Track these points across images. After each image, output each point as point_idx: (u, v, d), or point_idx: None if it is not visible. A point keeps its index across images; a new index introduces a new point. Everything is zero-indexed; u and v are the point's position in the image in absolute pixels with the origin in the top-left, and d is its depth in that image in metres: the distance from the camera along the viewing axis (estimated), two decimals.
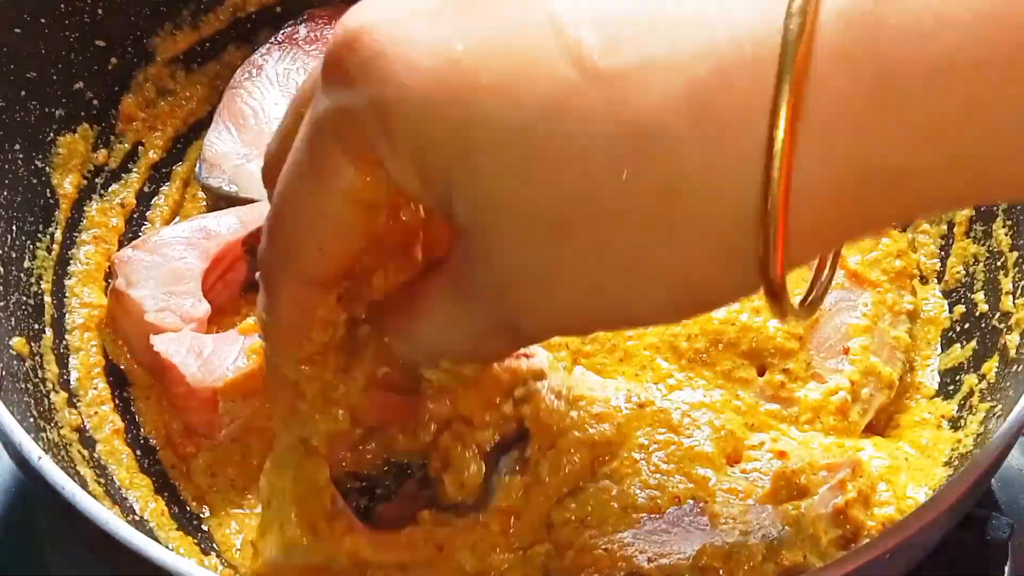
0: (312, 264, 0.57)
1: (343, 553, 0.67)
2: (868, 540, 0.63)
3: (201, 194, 0.90)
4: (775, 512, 0.70)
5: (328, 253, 0.57)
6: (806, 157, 0.46)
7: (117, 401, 0.80)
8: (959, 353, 0.80)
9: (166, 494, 0.77)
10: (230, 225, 0.82)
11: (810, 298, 0.60)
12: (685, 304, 0.52)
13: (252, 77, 0.91)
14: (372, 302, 0.62)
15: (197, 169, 0.88)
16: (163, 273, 0.80)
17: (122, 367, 0.81)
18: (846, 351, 0.78)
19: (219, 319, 0.81)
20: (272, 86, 0.91)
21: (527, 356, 0.72)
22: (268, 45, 0.94)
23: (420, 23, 0.50)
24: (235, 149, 0.88)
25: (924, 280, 0.85)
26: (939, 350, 0.82)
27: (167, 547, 0.69)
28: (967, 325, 0.82)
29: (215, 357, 0.76)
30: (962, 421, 0.76)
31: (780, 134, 0.45)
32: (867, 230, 0.60)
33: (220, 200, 0.87)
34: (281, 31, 0.94)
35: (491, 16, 0.49)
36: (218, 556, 0.74)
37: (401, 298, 0.61)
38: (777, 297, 0.49)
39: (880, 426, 0.79)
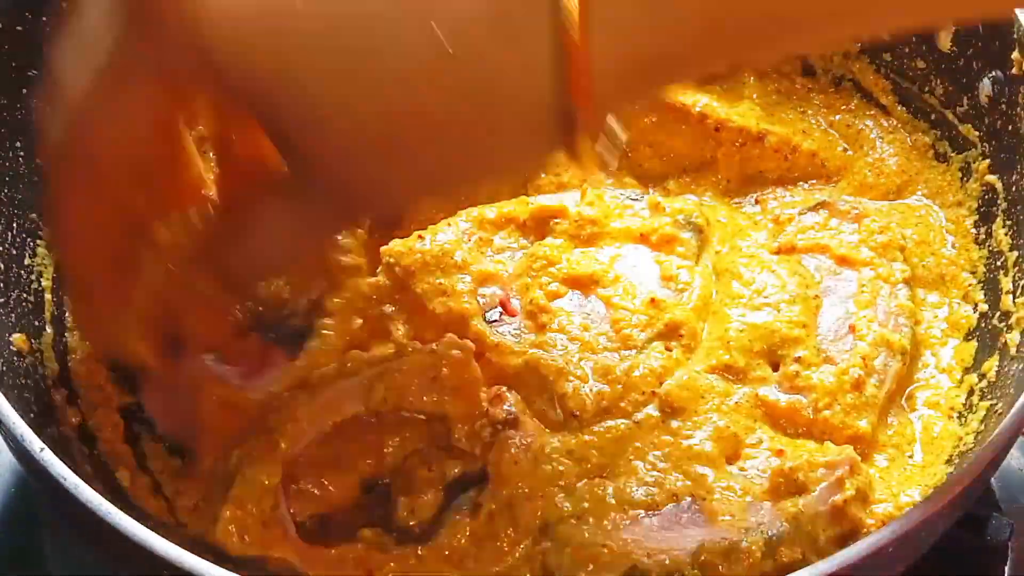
0: (107, 153, 0.61)
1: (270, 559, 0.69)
2: (869, 536, 0.63)
3: None
4: (774, 509, 0.70)
5: (120, 154, 0.62)
6: (590, 44, 0.53)
7: (117, 398, 0.80)
8: (962, 352, 0.80)
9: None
10: None
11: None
12: (502, 174, 0.67)
13: None
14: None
15: None
16: None
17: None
18: (852, 329, 0.78)
19: None
20: None
21: (500, 398, 0.73)
22: None
23: None
24: None
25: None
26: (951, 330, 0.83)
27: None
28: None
29: None
30: (963, 419, 0.76)
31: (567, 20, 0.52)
32: (654, 88, 0.68)
33: None
34: None
35: None
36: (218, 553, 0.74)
37: (228, 219, 0.66)
38: (574, 144, 0.56)
39: (897, 399, 0.79)
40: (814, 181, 0.90)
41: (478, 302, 0.80)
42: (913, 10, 0.58)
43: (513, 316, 0.81)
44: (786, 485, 0.71)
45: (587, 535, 0.70)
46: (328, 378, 0.74)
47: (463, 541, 0.71)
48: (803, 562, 0.68)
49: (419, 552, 0.71)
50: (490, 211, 0.84)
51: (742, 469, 0.73)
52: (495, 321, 0.80)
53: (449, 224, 0.83)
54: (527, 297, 0.81)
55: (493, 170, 0.63)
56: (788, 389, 0.77)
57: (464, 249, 0.81)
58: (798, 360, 0.77)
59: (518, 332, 0.80)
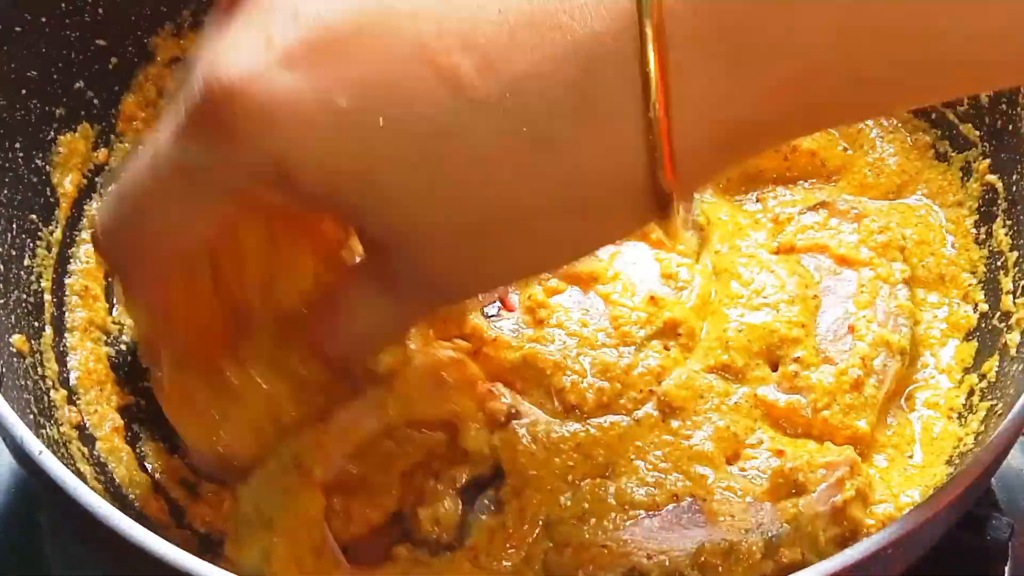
0: (164, 252, 0.62)
1: None
2: (869, 536, 0.63)
3: None
4: (774, 510, 0.70)
5: (185, 252, 0.62)
6: (679, 121, 0.52)
7: (117, 399, 0.80)
8: (962, 352, 0.80)
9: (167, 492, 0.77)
10: None
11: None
12: (590, 253, 0.62)
13: None
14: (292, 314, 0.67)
15: None
16: None
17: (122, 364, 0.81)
18: (851, 329, 0.78)
19: None
20: None
21: (491, 393, 0.73)
22: None
23: (292, 74, 0.52)
24: None
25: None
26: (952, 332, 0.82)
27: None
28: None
29: None
30: (963, 420, 0.76)
31: (654, 100, 0.51)
32: (743, 159, 0.70)
33: None
34: None
35: (358, 57, 0.52)
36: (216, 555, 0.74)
37: (322, 304, 0.66)
38: (667, 217, 0.55)
39: (897, 399, 0.79)
40: (814, 180, 0.90)
41: (477, 297, 0.80)
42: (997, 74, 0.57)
43: (511, 311, 0.81)
44: (786, 486, 0.71)
45: (587, 535, 0.70)
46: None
47: (493, 538, 0.72)
48: (803, 563, 0.68)
49: (455, 558, 0.71)
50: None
51: (742, 469, 0.73)
52: (493, 316, 0.80)
53: None
54: (526, 293, 0.81)
55: (582, 251, 0.61)
56: (787, 389, 0.77)
57: None
58: (797, 360, 0.77)
59: (516, 327, 0.80)
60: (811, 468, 0.71)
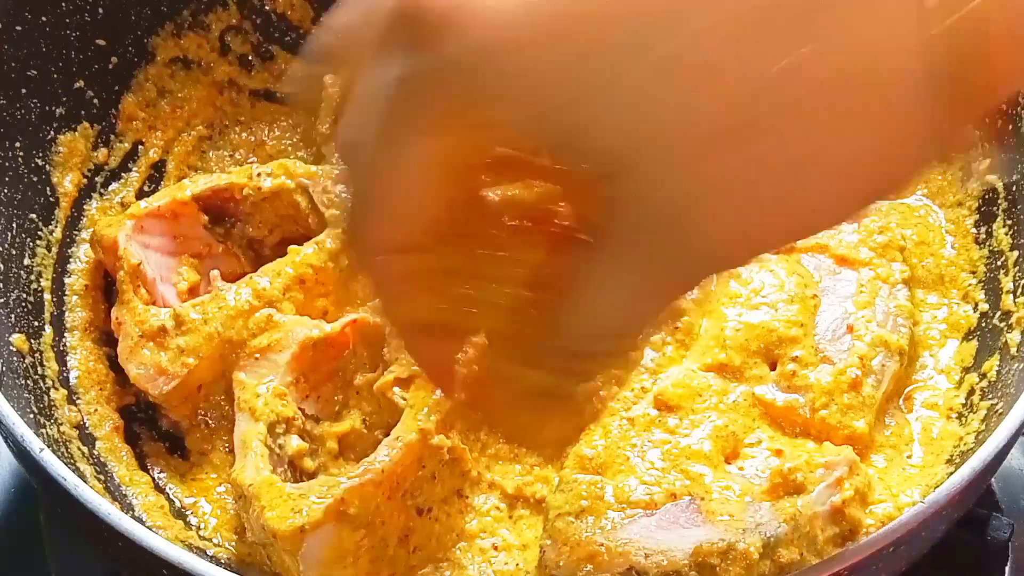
0: (396, 234, 0.52)
1: None
2: (869, 536, 0.63)
3: None
4: (772, 509, 0.70)
5: (413, 221, 0.51)
6: None
7: (117, 399, 0.80)
8: (962, 352, 0.80)
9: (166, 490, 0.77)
10: None
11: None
12: (869, 191, 0.47)
13: None
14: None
15: None
16: None
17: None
18: (850, 329, 0.78)
19: None
20: None
21: None
22: None
23: None
24: None
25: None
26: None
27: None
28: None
29: None
30: (964, 419, 0.76)
31: None
32: None
33: None
34: None
35: None
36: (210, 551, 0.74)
37: (552, 288, 0.54)
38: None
39: (895, 400, 0.79)
40: None
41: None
42: None
43: None
44: (785, 485, 0.71)
45: (585, 534, 0.70)
46: None
47: None
48: (801, 563, 0.68)
49: None
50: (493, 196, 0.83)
51: (741, 469, 0.73)
52: None
53: None
54: None
55: (865, 196, 0.47)
56: (785, 388, 0.76)
57: None
58: (795, 359, 0.77)
59: None
60: (810, 468, 0.71)
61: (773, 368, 0.78)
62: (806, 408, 0.76)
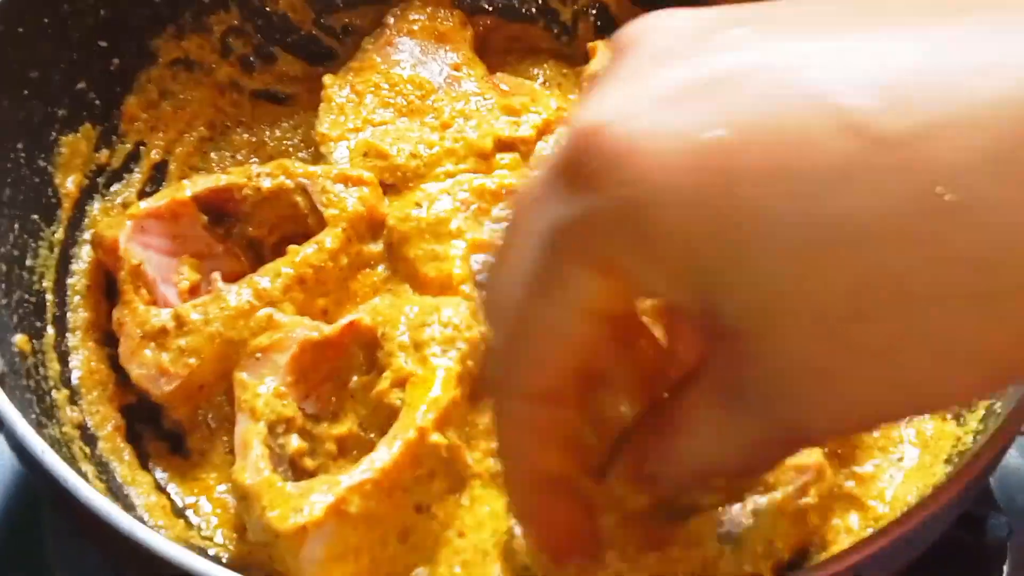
0: (541, 380, 0.52)
1: None
2: (868, 536, 0.63)
3: None
4: (740, 507, 0.70)
5: (560, 368, 0.52)
6: None
7: (119, 399, 0.80)
8: None
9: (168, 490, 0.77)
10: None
11: None
12: (997, 382, 0.48)
13: None
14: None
15: None
16: None
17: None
18: None
19: None
20: None
21: None
22: None
23: (663, 112, 0.45)
24: None
25: None
26: None
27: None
28: None
29: None
30: (962, 419, 0.76)
31: None
32: None
33: None
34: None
35: (743, 96, 0.44)
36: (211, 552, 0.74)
37: (652, 419, 0.55)
38: None
39: None
40: None
41: (470, 267, 0.81)
42: None
43: None
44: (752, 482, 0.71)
45: None
46: None
47: None
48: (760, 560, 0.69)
49: None
50: (491, 182, 0.84)
51: None
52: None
53: (448, 193, 0.83)
54: None
55: (981, 367, 0.45)
56: None
57: (460, 218, 0.82)
58: None
59: None
60: (781, 469, 0.71)
61: None
62: None
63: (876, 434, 0.77)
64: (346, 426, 0.74)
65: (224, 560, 0.73)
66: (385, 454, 0.69)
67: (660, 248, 0.45)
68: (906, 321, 0.43)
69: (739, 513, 0.69)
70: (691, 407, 0.51)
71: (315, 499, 0.67)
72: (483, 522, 0.72)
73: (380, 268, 0.83)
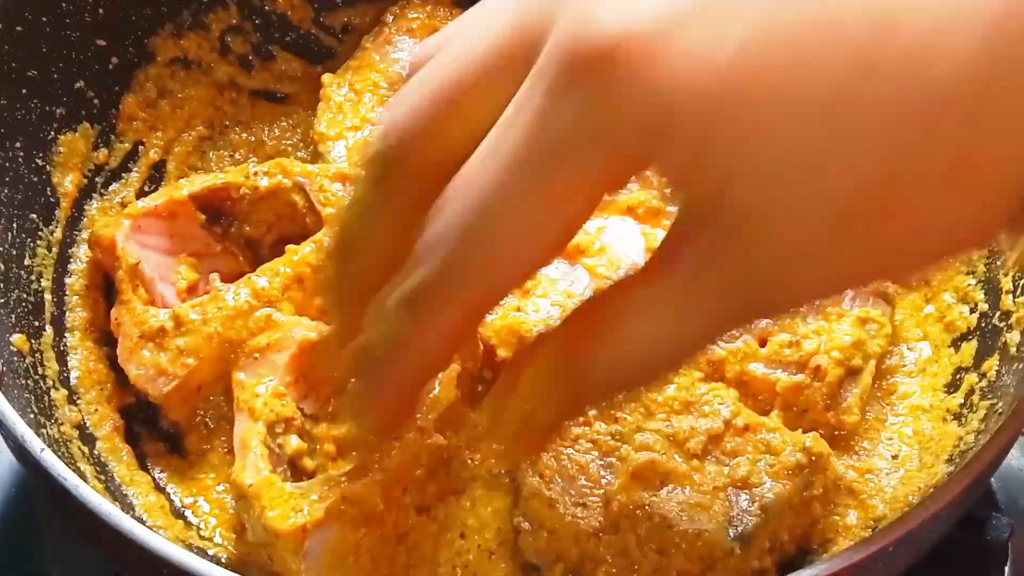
0: (508, 280, 0.54)
1: None
2: (869, 536, 0.63)
3: None
4: (748, 498, 0.70)
5: (533, 263, 0.54)
6: None
7: (117, 398, 0.80)
8: (961, 352, 0.80)
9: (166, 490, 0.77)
10: None
11: None
12: (945, 258, 0.53)
13: None
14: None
15: None
16: None
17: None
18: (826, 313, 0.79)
19: None
20: None
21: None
22: None
23: (680, 16, 0.48)
24: None
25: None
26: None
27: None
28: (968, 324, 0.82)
29: None
30: (963, 419, 0.76)
31: None
32: None
33: None
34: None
35: (760, 15, 0.47)
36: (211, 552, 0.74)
37: (588, 314, 0.56)
38: None
39: (889, 398, 0.79)
40: None
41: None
42: None
43: None
44: (757, 475, 0.71)
45: (558, 521, 0.70)
46: None
47: None
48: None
49: None
50: None
51: (724, 452, 0.73)
52: None
53: None
54: None
55: (940, 247, 0.52)
56: (775, 366, 0.77)
57: None
58: (782, 341, 0.77)
59: None
60: (785, 464, 0.71)
61: (763, 345, 0.78)
62: (791, 391, 0.76)
63: (882, 432, 0.77)
64: (345, 427, 0.74)
65: (223, 560, 0.73)
66: (385, 455, 0.69)
67: (680, 145, 0.48)
68: (891, 208, 0.48)
69: (747, 509, 0.69)
70: (648, 295, 0.53)
71: (315, 499, 0.67)
72: (487, 523, 0.72)
73: None
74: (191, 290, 0.81)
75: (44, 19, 0.84)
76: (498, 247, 0.52)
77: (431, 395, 0.72)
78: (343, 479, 0.68)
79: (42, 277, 0.81)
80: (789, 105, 0.47)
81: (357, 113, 0.90)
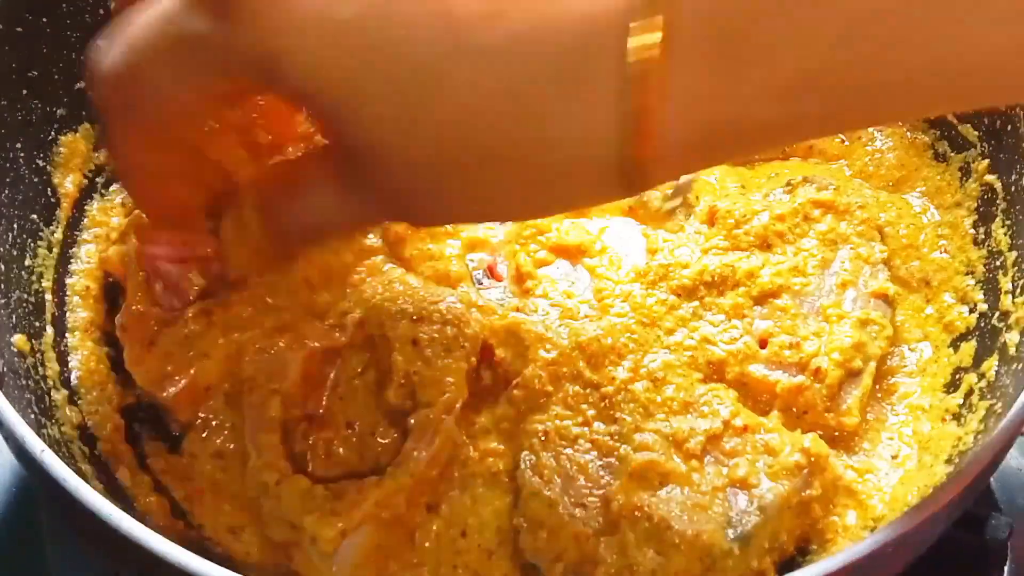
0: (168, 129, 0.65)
1: None
2: (869, 536, 0.63)
3: None
4: (746, 499, 0.70)
5: (182, 123, 0.66)
6: (657, 111, 0.53)
7: (118, 399, 0.80)
8: (960, 352, 0.80)
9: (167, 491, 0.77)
10: None
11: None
12: (553, 212, 0.72)
13: None
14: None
15: None
16: None
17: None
18: (829, 311, 0.79)
19: None
20: None
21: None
22: None
23: None
24: None
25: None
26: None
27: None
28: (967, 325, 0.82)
29: None
30: (962, 419, 0.76)
31: (633, 87, 0.53)
32: (728, 157, 0.75)
33: None
34: None
35: None
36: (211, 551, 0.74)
37: (281, 176, 0.67)
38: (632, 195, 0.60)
39: (888, 398, 0.80)
40: (816, 160, 0.91)
41: (466, 266, 0.82)
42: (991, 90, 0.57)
43: (499, 281, 0.82)
44: (756, 475, 0.71)
45: (559, 521, 0.70)
46: None
47: None
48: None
49: None
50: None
51: (723, 453, 0.73)
52: (480, 284, 0.82)
53: None
54: (513, 263, 0.82)
55: (542, 209, 0.64)
56: (774, 367, 0.77)
57: None
58: (783, 343, 0.77)
59: (503, 297, 0.81)
60: (784, 464, 0.71)
61: (763, 346, 0.78)
62: (791, 391, 0.76)
63: (881, 433, 0.77)
64: (355, 427, 0.74)
65: (223, 561, 0.73)
66: (417, 457, 0.70)
67: (291, 83, 0.57)
68: (483, 172, 0.57)
69: (746, 510, 0.70)
70: (316, 178, 0.63)
71: (351, 503, 0.68)
72: (487, 523, 0.72)
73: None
74: (200, 295, 0.81)
75: (44, 20, 0.84)
76: (139, 87, 0.62)
77: (443, 397, 0.72)
78: (376, 484, 0.69)
79: (43, 277, 0.81)
80: (389, 64, 0.54)
81: None
